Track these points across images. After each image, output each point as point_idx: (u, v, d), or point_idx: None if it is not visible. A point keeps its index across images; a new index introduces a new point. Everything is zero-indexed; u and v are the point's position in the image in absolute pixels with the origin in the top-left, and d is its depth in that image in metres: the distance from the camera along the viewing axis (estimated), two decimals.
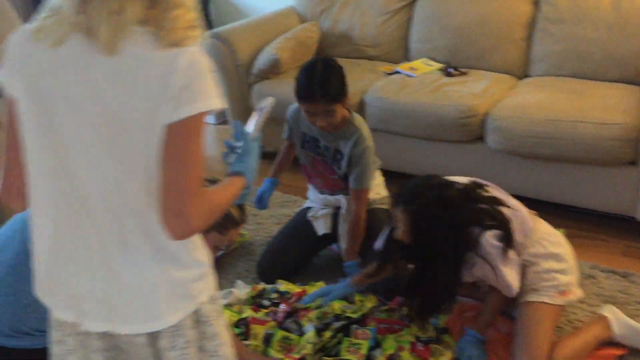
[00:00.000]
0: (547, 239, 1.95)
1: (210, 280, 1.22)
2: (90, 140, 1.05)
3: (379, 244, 2.04)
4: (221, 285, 2.27)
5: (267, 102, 1.49)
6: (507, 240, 1.82)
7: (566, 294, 1.90)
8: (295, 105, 2.33)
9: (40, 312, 1.57)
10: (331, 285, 2.17)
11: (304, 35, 3.46)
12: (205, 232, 1.81)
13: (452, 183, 1.86)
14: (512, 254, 1.84)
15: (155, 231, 1.08)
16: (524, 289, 1.90)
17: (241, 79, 3.29)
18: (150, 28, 1.01)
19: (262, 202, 2.46)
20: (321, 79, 2.08)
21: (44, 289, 1.21)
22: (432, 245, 1.81)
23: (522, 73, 3.16)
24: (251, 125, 1.43)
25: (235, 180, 1.23)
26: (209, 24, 4.28)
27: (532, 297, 1.88)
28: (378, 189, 2.40)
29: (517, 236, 1.86)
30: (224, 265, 2.48)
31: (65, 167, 1.08)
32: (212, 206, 1.11)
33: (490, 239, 1.82)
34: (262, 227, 2.76)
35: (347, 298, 2.22)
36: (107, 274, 1.13)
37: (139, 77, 1.01)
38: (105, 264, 1.12)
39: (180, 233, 1.07)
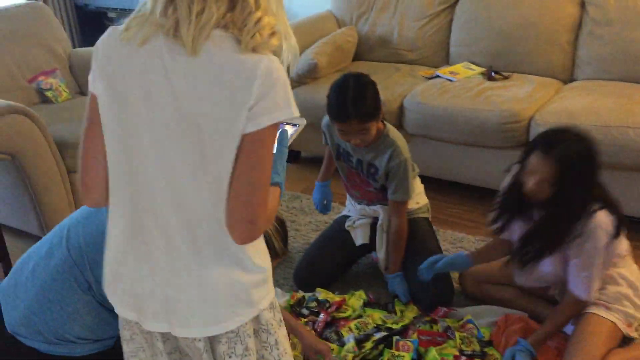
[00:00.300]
0: (634, 269, 1.93)
1: (270, 286, 1.20)
2: (164, 140, 1.06)
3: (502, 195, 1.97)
4: None
5: (301, 122, 1.44)
6: (617, 229, 1.77)
7: (630, 327, 1.87)
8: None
9: (83, 320, 1.57)
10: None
11: (342, 39, 3.43)
12: None
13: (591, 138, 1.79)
14: (615, 246, 1.79)
15: (221, 235, 1.09)
16: (595, 302, 1.86)
17: None
18: (231, 32, 1.01)
19: (326, 208, 2.45)
20: (354, 98, 2.00)
21: (109, 286, 1.22)
22: (562, 195, 1.72)
23: (568, 77, 3.07)
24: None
25: (275, 190, 1.22)
26: None
27: (601, 312, 1.84)
28: (418, 198, 2.34)
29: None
30: None
31: (139, 167, 1.09)
32: (271, 213, 1.13)
33: (604, 217, 1.76)
34: (300, 233, 2.73)
35: (387, 308, 2.18)
36: (170, 275, 1.13)
37: (218, 81, 1.01)
38: (168, 265, 1.13)
39: (248, 238, 1.09)
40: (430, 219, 2.41)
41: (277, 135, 1.29)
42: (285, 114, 1.03)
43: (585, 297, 1.83)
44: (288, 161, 1.32)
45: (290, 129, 1.40)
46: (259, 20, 1.01)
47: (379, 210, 2.32)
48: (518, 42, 3.14)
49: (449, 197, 2.98)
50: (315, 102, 3.09)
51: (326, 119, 2.31)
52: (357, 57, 3.55)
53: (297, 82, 3.23)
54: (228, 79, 1.00)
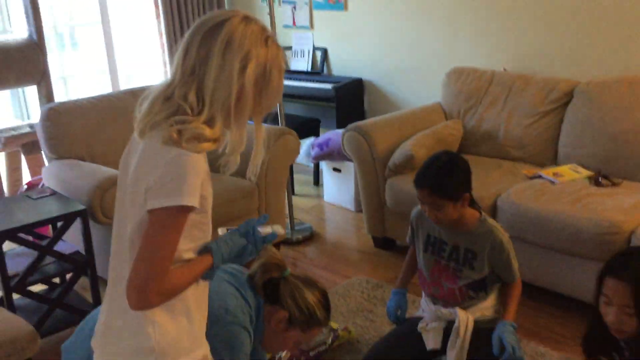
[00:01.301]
0: None
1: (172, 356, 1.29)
2: (120, 202, 1.35)
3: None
4: None
5: (277, 230, 1.47)
6: None
7: None
8: (418, 207, 2.30)
9: None
10: None
11: (445, 132, 3.44)
12: (288, 328, 1.83)
13: None
14: None
15: None
16: None
17: (377, 172, 3.34)
18: (166, 126, 1.22)
19: (400, 319, 2.37)
20: (438, 169, 2.04)
21: None
22: None
23: None
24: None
25: (203, 259, 1.32)
26: (362, 113, 4.47)
27: None
28: (485, 311, 2.22)
29: None
30: None
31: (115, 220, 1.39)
32: (173, 286, 1.24)
33: None
34: (374, 325, 2.70)
35: None
36: (106, 313, 1.38)
37: (140, 162, 1.26)
38: (107, 304, 1.38)
39: (137, 306, 1.22)
40: None
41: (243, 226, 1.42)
42: (171, 201, 1.17)
43: None
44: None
45: (264, 231, 1.44)
46: (185, 122, 1.21)
47: (455, 313, 2.23)
48: (632, 147, 2.95)
49: (539, 304, 2.81)
50: (408, 192, 3.09)
51: (415, 209, 2.30)
52: (461, 150, 3.52)
53: (394, 171, 3.27)
54: (145, 162, 1.24)
